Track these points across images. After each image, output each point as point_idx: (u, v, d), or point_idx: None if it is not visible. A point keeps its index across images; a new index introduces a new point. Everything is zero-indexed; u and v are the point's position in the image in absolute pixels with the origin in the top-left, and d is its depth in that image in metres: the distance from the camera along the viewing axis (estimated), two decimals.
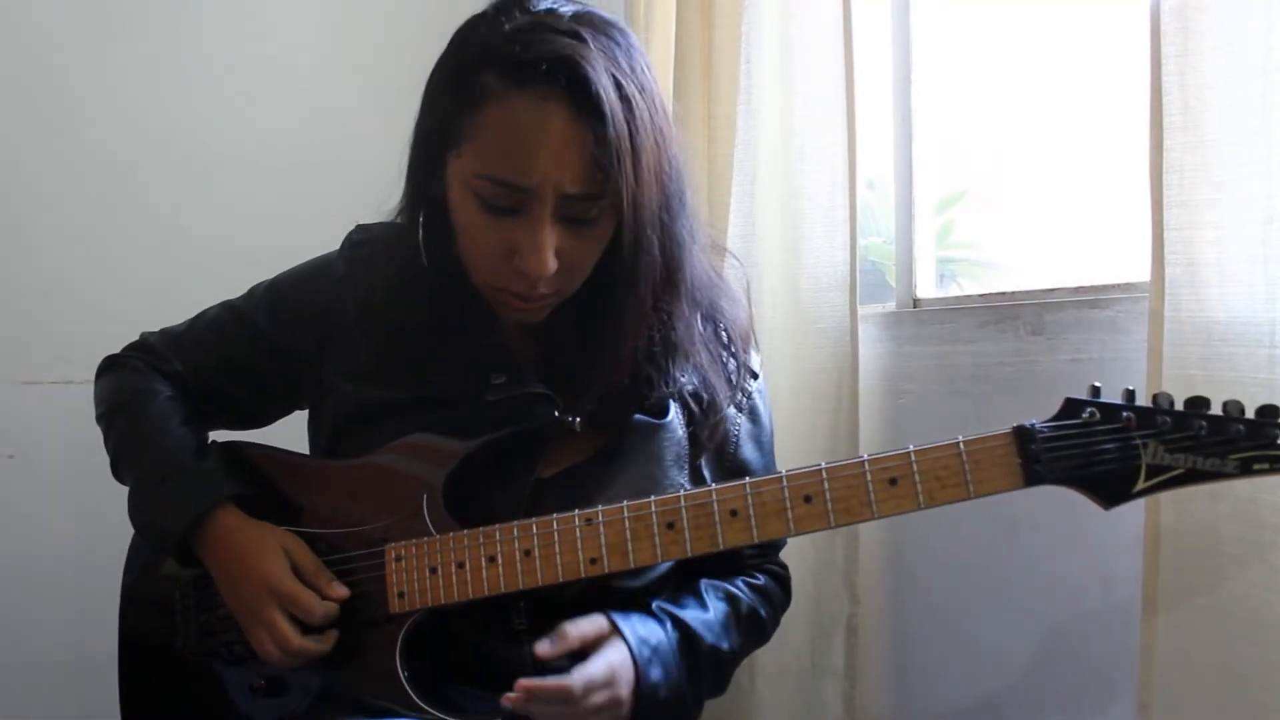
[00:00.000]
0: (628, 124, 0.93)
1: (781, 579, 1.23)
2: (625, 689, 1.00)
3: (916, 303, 1.61)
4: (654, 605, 1.08)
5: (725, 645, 1.10)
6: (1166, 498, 1.09)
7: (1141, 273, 1.20)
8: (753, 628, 1.16)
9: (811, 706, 1.53)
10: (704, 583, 1.14)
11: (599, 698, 0.99)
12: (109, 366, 1.25)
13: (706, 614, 1.10)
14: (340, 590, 1.05)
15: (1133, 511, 1.13)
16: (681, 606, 1.10)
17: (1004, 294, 1.49)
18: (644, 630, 1.04)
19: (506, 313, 1.06)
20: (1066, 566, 1.32)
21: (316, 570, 1.06)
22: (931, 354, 1.51)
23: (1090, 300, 1.31)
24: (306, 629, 1.04)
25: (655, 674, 1.02)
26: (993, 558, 1.40)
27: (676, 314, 1.07)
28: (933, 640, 1.50)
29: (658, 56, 1.84)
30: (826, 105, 1.53)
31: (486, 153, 0.94)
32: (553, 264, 0.96)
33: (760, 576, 1.20)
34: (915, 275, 1.62)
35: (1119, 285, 1.32)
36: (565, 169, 0.92)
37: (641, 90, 0.95)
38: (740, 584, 1.17)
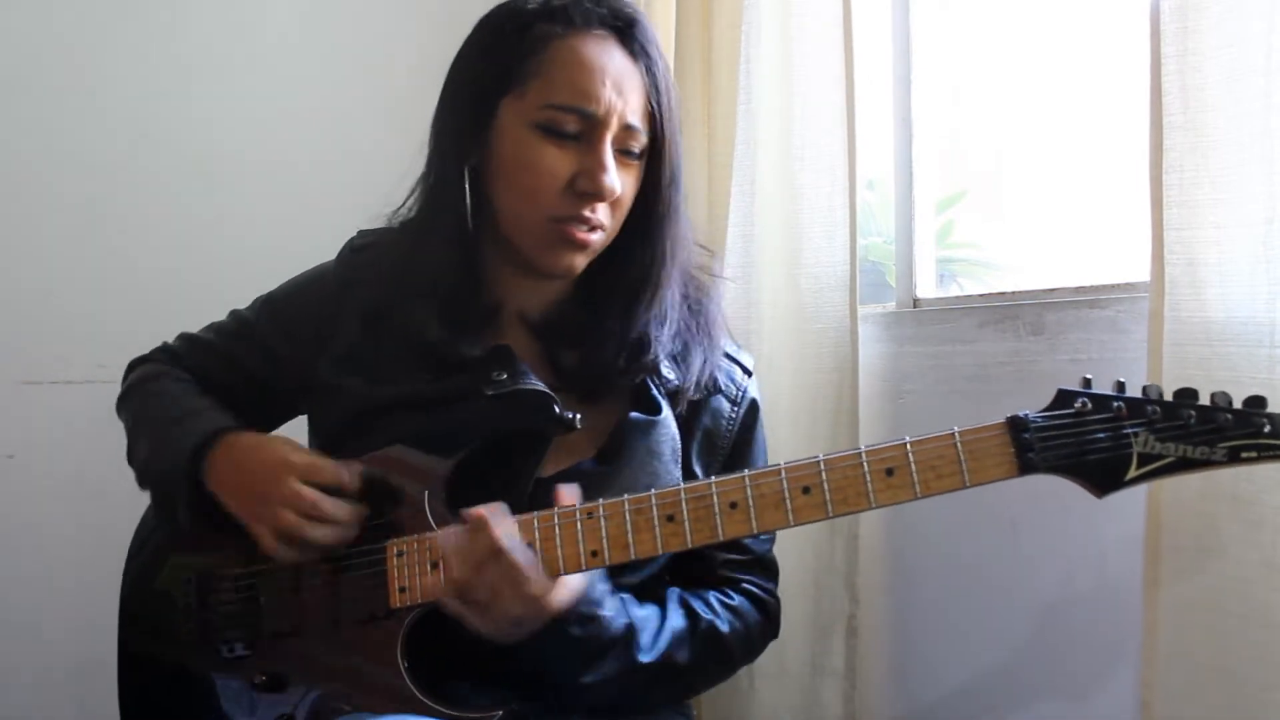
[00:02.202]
0: (666, 73, 1.09)
1: (762, 603, 1.17)
2: (544, 600, 0.97)
3: (916, 303, 1.61)
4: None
5: (652, 657, 1.06)
6: (1166, 498, 1.09)
7: (1141, 273, 1.20)
8: (708, 645, 1.10)
9: (811, 707, 1.53)
10: (674, 592, 1.12)
11: (514, 573, 0.95)
12: (134, 366, 1.28)
13: (658, 630, 1.07)
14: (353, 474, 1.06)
15: (1133, 512, 1.14)
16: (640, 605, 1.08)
17: (1004, 294, 1.49)
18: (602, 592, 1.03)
19: (554, 258, 1.08)
20: (1066, 567, 1.32)
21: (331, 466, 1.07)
22: (931, 354, 1.51)
23: (1090, 300, 1.31)
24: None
25: (578, 629, 1.00)
26: (993, 558, 1.40)
27: (668, 282, 1.12)
28: (933, 641, 1.50)
29: None
30: (826, 105, 1.53)
31: (555, 83, 1.05)
32: (619, 184, 1.06)
33: (734, 596, 1.15)
34: (915, 275, 1.62)
35: (1119, 285, 1.32)
36: (625, 98, 1.05)
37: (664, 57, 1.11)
38: (712, 599, 1.13)
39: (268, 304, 1.24)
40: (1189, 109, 1.06)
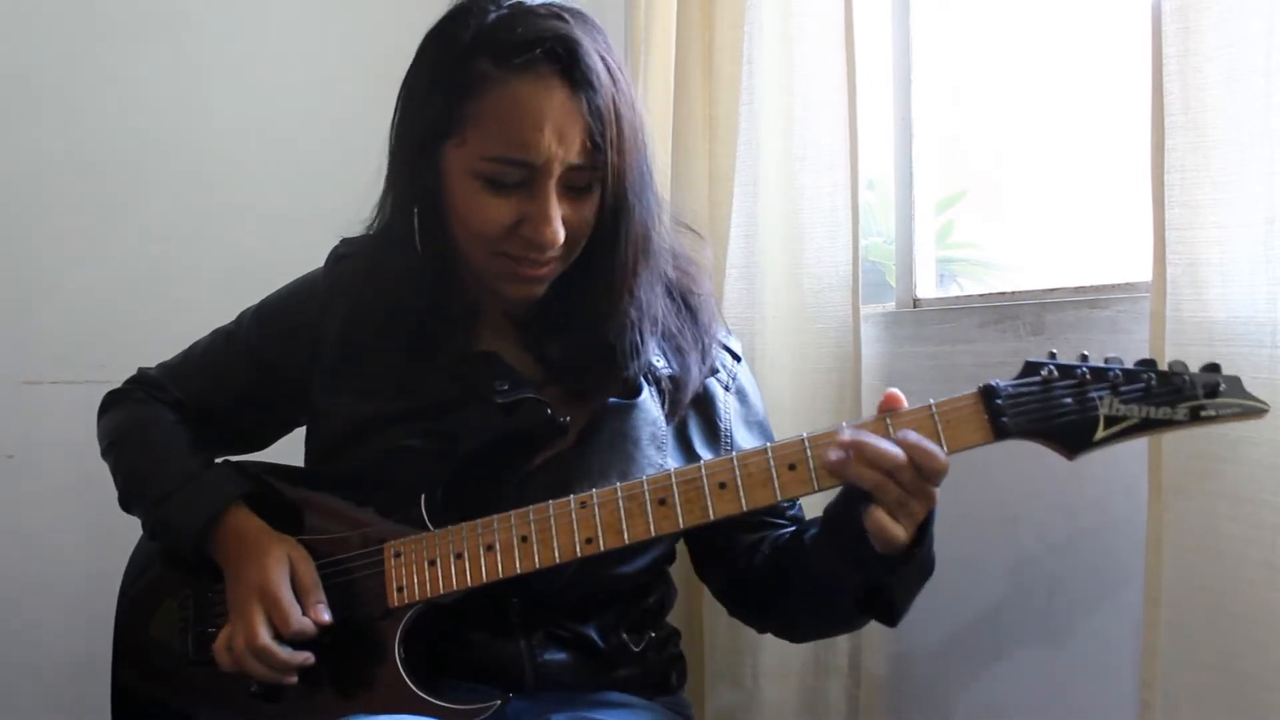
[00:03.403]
0: (613, 96, 1.01)
1: None
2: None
3: (917, 303, 1.61)
4: None
5: None
6: (1167, 496, 1.09)
7: (1142, 273, 1.20)
8: None
9: (815, 705, 1.53)
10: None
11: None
12: (111, 402, 1.27)
13: None
14: (322, 615, 1.05)
15: (1133, 512, 1.14)
16: None
17: (1004, 294, 1.49)
18: None
19: (508, 289, 1.08)
20: (1067, 566, 1.32)
21: (310, 588, 1.07)
22: (931, 354, 1.51)
23: (1090, 300, 1.31)
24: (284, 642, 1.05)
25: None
26: (994, 557, 1.40)
27: (646, 281, 1.10)
28: (935, 639, 1.50)
29: (658, 56, 1.84)
30: (828, 105, 1.53)
31: (492, 135, 1.00)
32: (562, 232, 1.02)
33: None
34: (915, 275, 1.62)
35: (1119, 285, 1.32)
36: (567, 142, 0.99)
37: (619, 67, 1.04)
38: None
39: (258, 314, 1.23)
40: (1190, 109, 1.06)
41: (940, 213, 2.09)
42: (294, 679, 1.05)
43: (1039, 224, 2.32)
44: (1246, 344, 1.03)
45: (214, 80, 2.03)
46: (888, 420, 0.97)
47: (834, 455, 0.94)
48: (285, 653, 1.04)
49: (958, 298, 1.62)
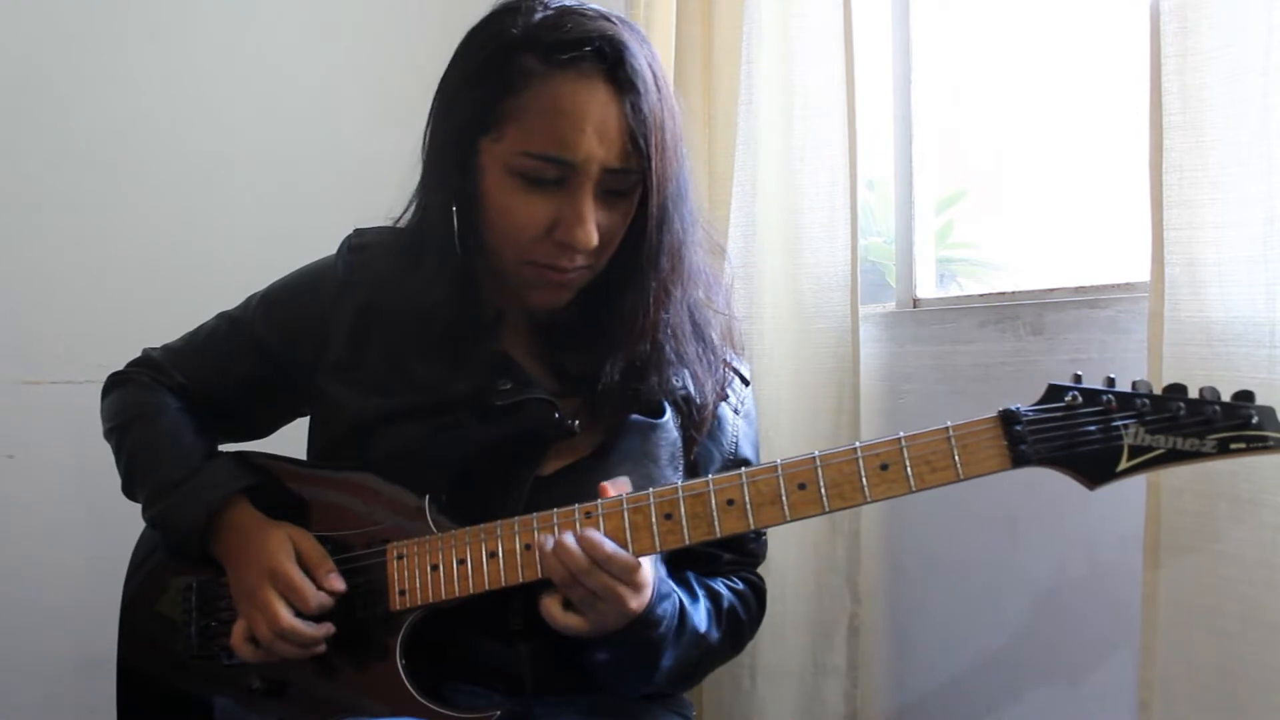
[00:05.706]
0: (657, 102, 1.00)
1: (758, 590, 1.21)
2: (635, 602, 0.99)
3: (916, 303, 1.61)
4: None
5: (708, 632, 1.10)
6: (1166, 497, 1.10)
7: (1141, 273, 1.20)
8: (731, 626, 1.15)
9: (813, 705, 1.53)
10: (690, 575, 1.14)
11: (622, 586, 0.97)
12: (115, 383, 1.26)
13: (695, 602, 1.11)
14: (336, 583, 1.05)
15: (1132, 511, 1.14)
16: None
17: (1004, 294, 1.49)
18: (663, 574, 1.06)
19: (537, 295, 1.08)
20: (1066, 566, 1.32)
21: (318, 560, 1.06)
22: (931, 354, 1.51)
23: (1090, 300, 1.31)
24: (302, 617, 1.04)
25: (663, 607, 1.03)
26: (993, 557, 1.40)
27: (675, 298, 1.09)
28: (934, 639, 1.50)
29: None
30: (827, 105, 1.53)
31: (532, 131, 0.99)
32: (596, 235, 1.01)
33: (738, 582, 1.19)
34: (915, 275, 1.62)
35: (1119, 285, 1.32)
36: (608, 143, 0.98)
37: (662, 75, 1.03)
38: (721, 584, 1.17)
39: (265, 300, 1.22)
40: (1188, 109, 1.06)
41: (940, 213, 2.09)
42: (323, 648, 1.05)
43: (1039, 224, 2.33)
44: (1245, 344, 1.03)
45: (215, 80, 2.03)
46: (901, 436, 0.95)
47: (548, 545, 0.98)
48: (310, 628, 1.04)
49: (958, 298, 1.62)
